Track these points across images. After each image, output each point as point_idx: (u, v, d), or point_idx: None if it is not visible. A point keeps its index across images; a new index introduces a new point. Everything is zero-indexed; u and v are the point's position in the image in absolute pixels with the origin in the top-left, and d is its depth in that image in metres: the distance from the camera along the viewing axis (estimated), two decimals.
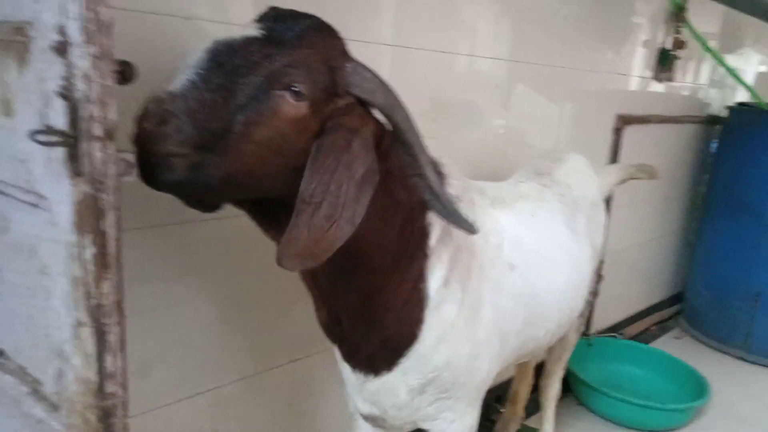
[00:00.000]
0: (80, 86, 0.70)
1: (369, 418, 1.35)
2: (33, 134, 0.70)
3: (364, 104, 0.99)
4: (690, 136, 3.36)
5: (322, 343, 1.29)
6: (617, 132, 2.65)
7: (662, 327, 3.51)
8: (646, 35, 2.71)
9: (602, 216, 1.84)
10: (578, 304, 1.64)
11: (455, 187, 1.21)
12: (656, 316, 3.53)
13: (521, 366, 2.17)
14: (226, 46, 0.85)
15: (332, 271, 1.08)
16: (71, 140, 0.72)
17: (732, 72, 3.23)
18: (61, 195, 0.77)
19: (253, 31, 0.89)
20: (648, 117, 2.84)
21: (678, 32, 2.75)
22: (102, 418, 0.83)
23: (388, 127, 1.03)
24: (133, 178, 0.83)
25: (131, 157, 0.81)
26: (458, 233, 1.17)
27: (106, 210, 0.76)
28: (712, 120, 3.44)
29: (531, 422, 2.31)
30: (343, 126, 0.93)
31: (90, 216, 0.76)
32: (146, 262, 1.25)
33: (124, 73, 0.75)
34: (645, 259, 3.34)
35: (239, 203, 1.00)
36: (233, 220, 1.16)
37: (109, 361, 0.82)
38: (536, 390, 2.21)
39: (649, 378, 2.75)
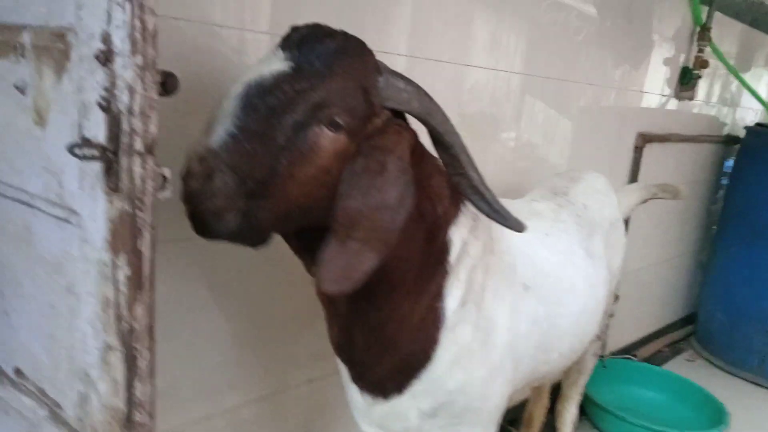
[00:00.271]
0: (123, 98, 0.66)
1: None
2: (71, 147, 0.66)
3: (399, 113, 0.98)
4: (706, 156, 3.33)
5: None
6: (638, 150, 2.61)
7: (674, 349, 3.45)
8: (668, 53, 2.68)
9: (621, 237, 1.80)
10: (592, 328, 1.60)
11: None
12: (668, 338, 3.48)
13: (536, 389, 2.12)
14: (257, 87, 0.84)
15: (354, 295, 1.04)
16: (110, 154, 0.67)
17: (753, 92, 3.21)
18: (95, 211, 0.73)
19: (280, 63, 0.86)
20: (668, 136, 2.80)
21: (701, 51, 2.72)
22: None
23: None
24: (168, 194, 0.78)
25: (168, 172, 0.77)
26: (474, 250, 1.15)
27: (143, 228, 0.71)
28: (729, 140, 3.41)
29: None
30: (378, 147, 0.92)
31: (126, 234, 0.71)
32: (160, 284, 1.20)
33: (167, 84, 0.70)
34: (659, 280, 3.30)
35: (283, 234, 1.00)
36: None
37: (138, 389, 0.77)
38: (551, 412, 2.16)
39: (663, 402, 2.69)
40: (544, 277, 1.37)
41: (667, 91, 2.77)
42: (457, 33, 1.69)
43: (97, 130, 0.68)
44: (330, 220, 0.90)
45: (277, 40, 0.91)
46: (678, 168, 3.03)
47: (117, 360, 0.76)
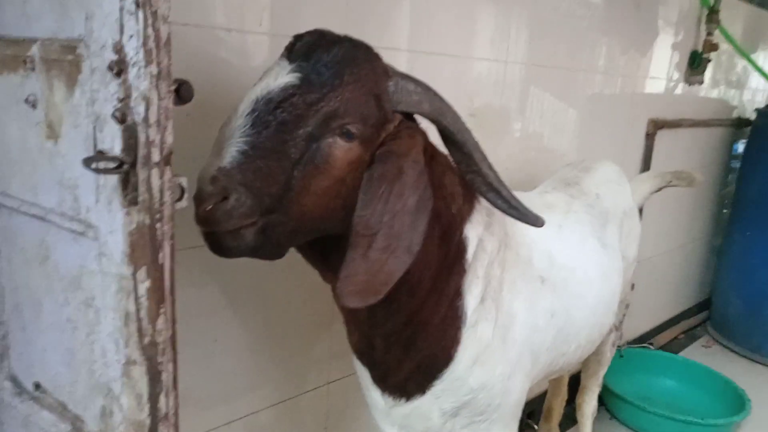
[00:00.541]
0: (138, 108, 0.64)
1: None
2: (87, 161, 0.64)
3: (410, 115, 0.97)
4: (718, 140, 3.30)
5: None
6: (649, 137, 2.58)
7: (690, 336, 3.43)
8: (676, 37, 2.64)
9: (636, 226, 1.78)
10: (609, 318, 1.59)
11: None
12: (683, 325, 3.46)
13: (554, 381, 2.10)
14: (265, 102, 0.82)
15: None
16: (127, 166, 0.66)
17: (764, 74, 3.16)
18: (113, 224, 0.71)
19: (288, 75, 0.84)
20: (679, 121, 2.77)
21: (710, 34, 2.67)
22: None
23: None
24: (185, 203, 0.77)
25: (185, 182, 0.75)
26: (490, 246, 1.14)
27: (163, 240, 0.70)
28: (739, 123, 3.37)
29: None
30: (393, 152, 0.91)
31: (145, 247, 0.70)
32: (178, 289, 1.20)
33: (181, 92, 0.69)
34: (672, 267, 3.27)
35: (298, 246, 0.99)
36: None
37: (162, 402, 0.76)
38: (569, 404, 2.14)
39: (683, 390, 2.67)
40: (559, 269, 1.35)
41: (677, 75, 2.74)
42: (459, 25, 1.67)
43: (113, 142, 0.67)
44: (347, 230, 0.89)
45: (278, 39, 0.89)
46: (690, 153, 2.99)
47: (140, 374, 0.75)
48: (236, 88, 1.13)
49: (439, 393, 1.15)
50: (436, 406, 1.17)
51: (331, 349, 1.52)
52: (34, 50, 0.74)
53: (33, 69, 0.75)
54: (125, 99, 0.64)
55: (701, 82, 2.84)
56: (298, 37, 0.90)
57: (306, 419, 1.54)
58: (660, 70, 2.61)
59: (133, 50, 0.62)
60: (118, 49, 0.63)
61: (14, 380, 0.99)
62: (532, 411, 2.23)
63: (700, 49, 2.71)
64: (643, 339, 3.07)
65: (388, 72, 0.93)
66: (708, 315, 3.54)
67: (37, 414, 0.96)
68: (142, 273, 0.71)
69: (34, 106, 0.76)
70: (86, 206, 0.74)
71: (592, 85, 2.23)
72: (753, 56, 3.18)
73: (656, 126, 2.59)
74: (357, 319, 1.12)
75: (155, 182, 0.67)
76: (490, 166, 1.03)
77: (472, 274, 1.12)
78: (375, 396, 1.23)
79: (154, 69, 0.63)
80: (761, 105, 3.32)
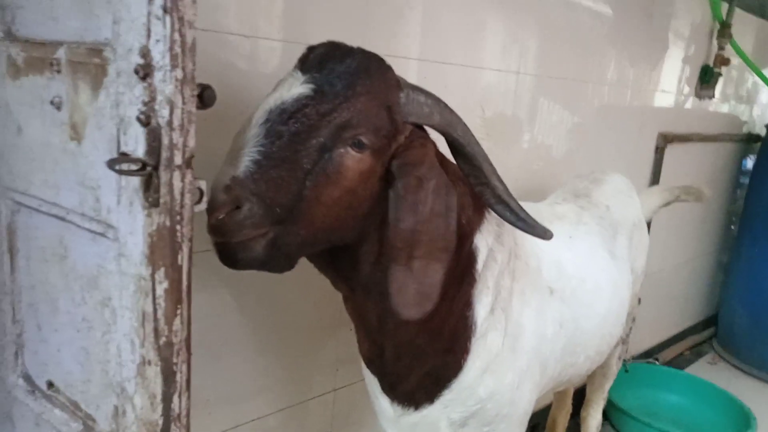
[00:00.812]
0: (163, 112, 0.65)
1: None
2: (111, 163, 0.66)
3: (420, 126, 0.98)
4: (727, 155, 3.29)
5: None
6: (659, 151, 2.58)
7: (696, 352, 3.41)
8: (687, 51, 2.65)
9: (645, 238, 1.78)
10: (618, 330, 1.59)
11: None
12: (690, 341, 3.44)
13: (559, 394, 2.09)
14: (279, 112, 0.83)
15: (384, 309, 1.04)
16: (150, 169, 0.67)
17: None
18: (134, 225, 0.72)
19: (301, 87, 0.86)
20: (689, 135, 2.77)
21: (722, 48, 2.68)
22: None
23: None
24: (204, 206, 0.78)
25: (204, 185, 0.76)
26: (500, 257, 1.15)
27: (182, 242, 0.71)
28: (749, 138, 3.36)
29: None
30: (409, 164, 0.93)
31: (165, 248, 0.71)
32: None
33: (204, 97, 0.70)
34: (679, 282, 3.26)
35: (308, 256, 1.00)
36: None
37: (175, 402, 0.77)
38: (573, 417, 2.13)
39: (688, 406, 2.65)
40: (568, 279, 1.36)
41: (687, 89, 2.74)
42: (471, 35, 1.68)
43: (136, 144, 0.68)
44: (357, 240, 0.92)
45: (291, 47, 0.90)
46: (699, 168, 2.99)
47: (154, 374, 0.76)
48: (247, 95, 1.14)
49: (448, 402, 1.15)
50: (445, 415, 1.17)
51: (337, 356, 1.53)
52: (61, 53, 0.76)
53: (59, 71, 0.76)
54: (150, 102, 0.65)
55: (712, 97, 2.84)
56: (311, 49, 0.91)
57: (313, 424, 1.54)
58: (670, 83, 2.62)
59: (159, 54, 0.64)
60: (145, 53, 0.64)
61: (27, 378, 1.00)
62: (537, 424, 2.22)
63: (711, 63, 2.71)
64: (649, 354, 3.05)
65: (399, 83, 0.95)
66: (714, 331, 3.52)
67: (49, 412, 0.97)
68: (160, 274, 0.72)
69: (58, 107, 0.78)
70: (107, 207, 0.75)
71: (602, 97, 2.24)
72: (764, 71, 3.18)
73: (666, 140, 2.59)
74: (368, 328, 1.12)
75: (177, 185, 0.68)
76: (499, 179, 1.05)
77: (482, 284, 1.13)
78: (384, 405, 1.23)
79: (179, 73, 0.64)
80: None
